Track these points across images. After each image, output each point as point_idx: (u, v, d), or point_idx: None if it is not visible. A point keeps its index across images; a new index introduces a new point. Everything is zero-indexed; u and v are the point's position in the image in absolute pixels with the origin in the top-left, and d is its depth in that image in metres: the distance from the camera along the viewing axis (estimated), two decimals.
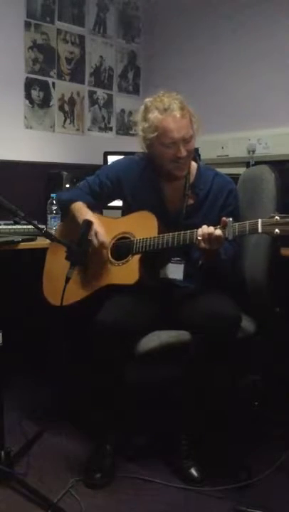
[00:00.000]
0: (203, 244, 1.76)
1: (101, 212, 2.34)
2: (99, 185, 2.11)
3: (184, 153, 1.87)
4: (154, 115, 1.86)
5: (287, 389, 2.35)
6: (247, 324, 1.98)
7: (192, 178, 2.01)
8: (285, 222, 1.60)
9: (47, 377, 2.69)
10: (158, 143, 1.88)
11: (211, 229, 1.75)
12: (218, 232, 1.73)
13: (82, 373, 2.45)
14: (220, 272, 1.94)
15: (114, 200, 2.18)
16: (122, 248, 2.00)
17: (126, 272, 1.95)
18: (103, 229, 2.00)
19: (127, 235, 2.01)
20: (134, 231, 1.99)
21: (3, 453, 1.86)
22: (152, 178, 2.04)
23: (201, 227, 1.77)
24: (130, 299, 1.93)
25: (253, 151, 2.89)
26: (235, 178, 2.27)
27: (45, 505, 1.74)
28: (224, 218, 1.73)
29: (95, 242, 1.96)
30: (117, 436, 2.01)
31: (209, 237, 1.74)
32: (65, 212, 2.18)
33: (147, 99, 1.94)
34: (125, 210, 2.12)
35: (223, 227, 1.72)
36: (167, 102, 1.85)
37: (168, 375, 2.14)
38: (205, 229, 1.76)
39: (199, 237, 1.76)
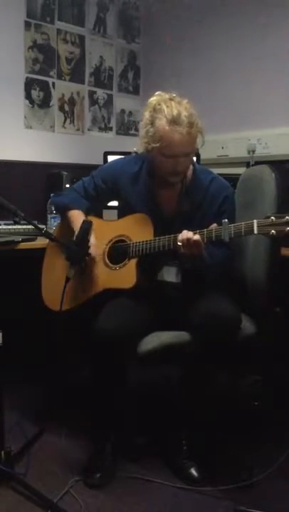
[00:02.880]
0: (182, 250, 1.77)
1: (100, 213, 2.34)
2: (94, 189, 2.11)
3: (181, 168, 1.86)
4: (161, 123, 1.78)
5: (287, 389, 2.35)
6: (247, 324, 1.98)
7: (188, 182, 1.98)
8: (281, 223, 1.60)
9: (47, 377, 2.68)
10: (158, 152, 1.84)
11: (190, 234, 1.75)
12: (197, 237, 1.74)
13: (82, 373, 2.46)
14: (206, 277, 1.92)
15: (110, 201, 2.18)
16: (119, 251, 2.00)
17: (123, 276, 1.95)
18: (95, 241, 1.99)
19: (124, 238, 2.01)
20: (131, 234, 1.99)
21: (3, 453, 1.85)
22: (147, 181, 2.02)
23: None
24: (129, 302, 1.92)
25: (253, 151, 2.89)
26: (235, 178, 2.28)
27: (45, 505, 1.74)
28: (215, 224, 1.75)
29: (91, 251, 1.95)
30: (117, 436, 2.01)
31: (188, 243, 1.75)
32: (62, 217, 2.19)
33: (157, 98, 1.84)
34: (120, 212, 2.11)
35: (217, 230, 1.73)
36: (177, 113, 1.77)
37: (168, 375, 2.14)
38: (184, 234, 1.76)
39: (179, 243, 1.77)
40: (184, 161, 1.85)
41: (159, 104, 1.82)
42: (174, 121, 1.77)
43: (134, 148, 1.98)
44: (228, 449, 2.10)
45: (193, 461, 1.97)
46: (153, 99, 1.86)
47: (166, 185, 1.97)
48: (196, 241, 1.74)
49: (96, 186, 2.10)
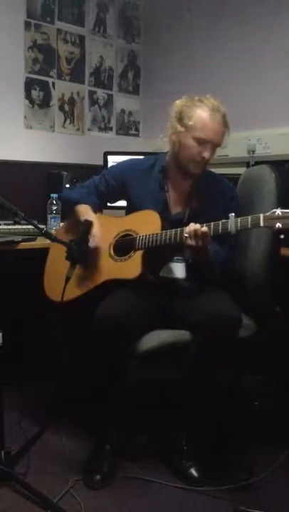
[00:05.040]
0: (189, 241, 1.79)
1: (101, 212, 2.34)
2: (105, 186, 2.14)
3: (208, 155, 1.91)
4: (203, 109, 1.90)
5: (287, 389, 2.35)
6: (247, 324, 1.98)
7: (197, 182, 2.02)
8: (287, 216, 1.61)
9: (47, 377, 2.68)
10: (191, 135, 1.90)
11: (198, 225, 1.77)
12: (205, 228, 1.76)
13: (82, 373, 2.46)
14: (208, 273, 1.94)
15: (119, 200, 2.20)
16: (125, 245, 2.00)
17: (128, 267, 1.95)
18: (101, 233, 2.01)
19: (130, 233, 2.02)
20: (138, 228, 1.99)
21: (3, 453, 1.85)
22: (157, 179, 2.05)
23: None
24: (131, 295, 1.93)
25: (253, 151, 2.89)
26: (235, 178, 2.28)
27: (45, 505, 1.74)
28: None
29: (92, 244, 1.97)
30: (116, 437, 2.01)
31: (195, 233, 1.76)
32: (69, 212, 2.20)
33: (195, 96, 1.95)
34: (128, 211, 2.13)
35: (223, 223, 1.74)
36: (216, 106, 1.91)
37: (168, 374, 2.14)
38: (192, 226, 1.78)
39: (186, 234, 1.78)
40: (210, 151, 1.91)
41: (199, 100, 1.92)
42: (215, 110, 1.90)
43: (161, 136, 2.02)
44: (228, 449, 2.10)
45: (193, 461, 1.96)
46: (182, 102, 1.95)
47: (176, 181, 2.02)
48: (203, 232, 1.76)
49: (107, 184, 2.13)
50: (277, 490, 1.86)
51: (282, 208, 1.64)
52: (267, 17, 2.91)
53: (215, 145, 1.92)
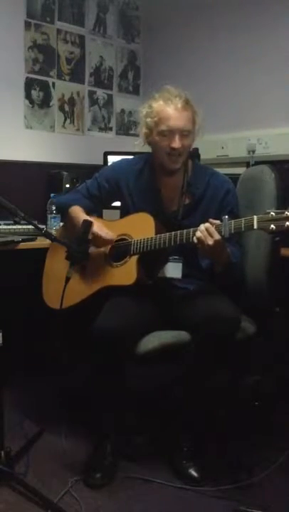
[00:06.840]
0: (205, 241, 1.72)
1: (101, 214, 2.34)
2: (97, 189, 2.13)
3: (178, 144, 1.88)
4: (158, 103, 1.91)
5: (287, 389, 2.35)
6: (247, 325, 1.98)
7: (189, 176, 2.01)
8: (280, 218, 1.60)
9: (47, 377, 2.69)
10: (156, 131, 1.90)
11: (207, 224, 1.74)
12: (208, 224, 1.73)
13: (82, 373, 2.46)
14: (232, 277, 1.93)
15: (113, 201, 2.20)
16: (121, 250, 2.01)
17: (124, 273, 1.95)
18: (104, 228, 2.00)
19: (125, 237, 2.02)
20: (132, 232, 1.99)
21: (3, 453, 1.85)
22: (149, 178, 2.05)
23: (197, 227, 1.76)
24: (129, 300, 1.93)
25: (253, 151, 2.89)
26: (235, 178, 2.28)
27: (45, 505, 1.74)
28: (211, 220, 1.74)
29: (104, 236, 1.95)
30: (117, 436, 2.01)
31: (208, 232, 1.72)
32: (64, 216, 2.20)
33: (156, 92, 1.97)
34: (123, 211, 2.13)
35: (217, 226, 1.72)
36: (173, 93, 1.90)
37: (168, 375, 2.14)
38: (202, 226, 1.74)
39: (198, 234, 1.73)
40: (180, 140, 1.88)
41: (157, 94, 1.94)
42: (170, 98, 1.89)
43: (136, 143, 2.02)
44: (228, 449, 2.10)
45: (193, 461, 1.97)
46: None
47: (168, 178, 2.01)
48: (208, 228, 1.72)
49: (99, 186, 2.13)
50: (277, 490, 1.86)
51: (280, 209, 1.63)
52: (266, 16, 2.91)
53: (183, 131, 1.88)
